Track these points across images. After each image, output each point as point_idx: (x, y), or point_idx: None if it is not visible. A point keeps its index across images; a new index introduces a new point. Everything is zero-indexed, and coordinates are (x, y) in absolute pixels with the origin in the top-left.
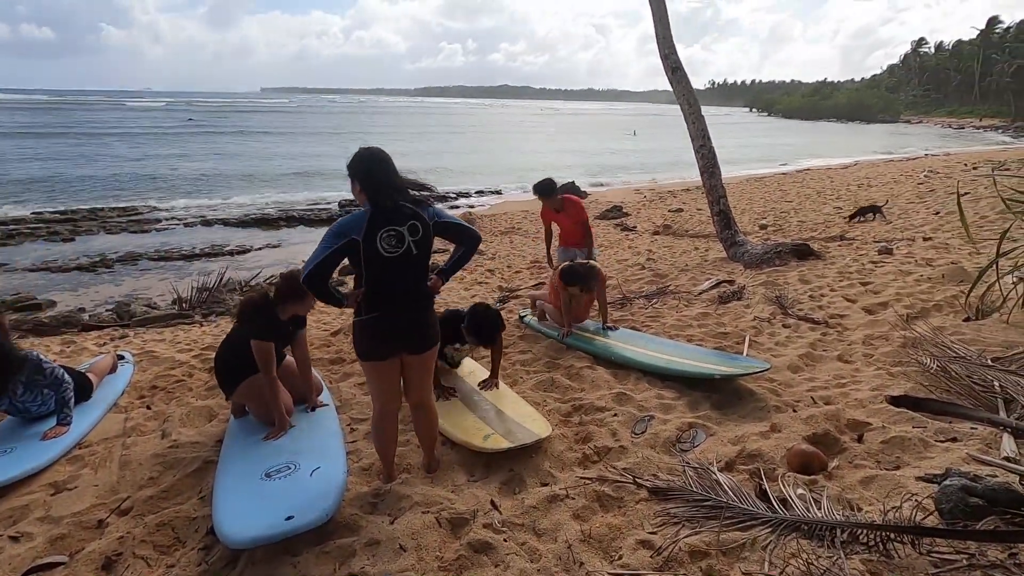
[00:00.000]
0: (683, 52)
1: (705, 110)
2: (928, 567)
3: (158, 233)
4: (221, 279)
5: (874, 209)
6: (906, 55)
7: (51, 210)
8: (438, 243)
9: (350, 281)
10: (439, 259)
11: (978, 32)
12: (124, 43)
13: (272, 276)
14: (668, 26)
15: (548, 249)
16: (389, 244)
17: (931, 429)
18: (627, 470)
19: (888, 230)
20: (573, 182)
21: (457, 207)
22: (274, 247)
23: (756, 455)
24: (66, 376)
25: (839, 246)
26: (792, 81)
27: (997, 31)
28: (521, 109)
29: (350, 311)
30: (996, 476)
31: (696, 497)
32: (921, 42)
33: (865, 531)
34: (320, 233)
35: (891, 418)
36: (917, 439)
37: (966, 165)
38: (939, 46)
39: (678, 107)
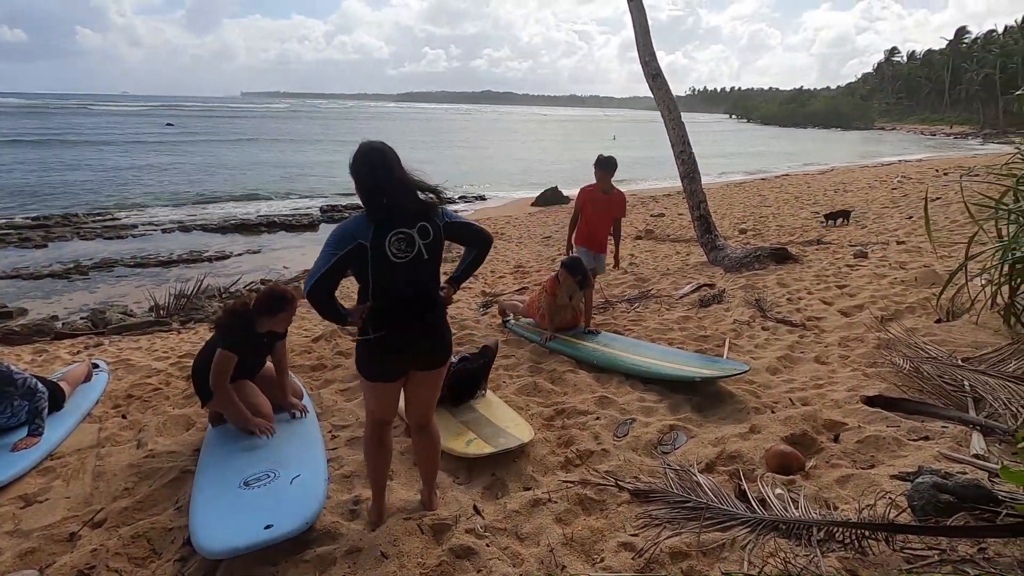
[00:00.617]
0: (665, 59)
1: (686, 116)
2: (901, 563)
3: (135, 239)
4: (199, 285)
5: (844, 214)
6: (879, 64)
7: (23, 216)
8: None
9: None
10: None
11: (947, 42)
12: (100, 46)
13: (252, 282)
14: (648, 33)
15: (571, 237)
16: (399, 248)
17: (904, 428)
18: (609, 473)
19: (863, 234)
20: (556, 187)
21: None
22: (254, 253)
23: (736, 456)
24: (39, 386)
25: (816, 250)
26: (771, 88)
27: (965, 41)
28: (505, 115)
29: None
30: (966, 473)
31: (677, 499)
32: (893, 51)
33: (841, 529)
34: (302, 239)
35: (866, 418)
36: (891, 438)
37: (937, 171)
38: (911, 55)
39: (659, 113)
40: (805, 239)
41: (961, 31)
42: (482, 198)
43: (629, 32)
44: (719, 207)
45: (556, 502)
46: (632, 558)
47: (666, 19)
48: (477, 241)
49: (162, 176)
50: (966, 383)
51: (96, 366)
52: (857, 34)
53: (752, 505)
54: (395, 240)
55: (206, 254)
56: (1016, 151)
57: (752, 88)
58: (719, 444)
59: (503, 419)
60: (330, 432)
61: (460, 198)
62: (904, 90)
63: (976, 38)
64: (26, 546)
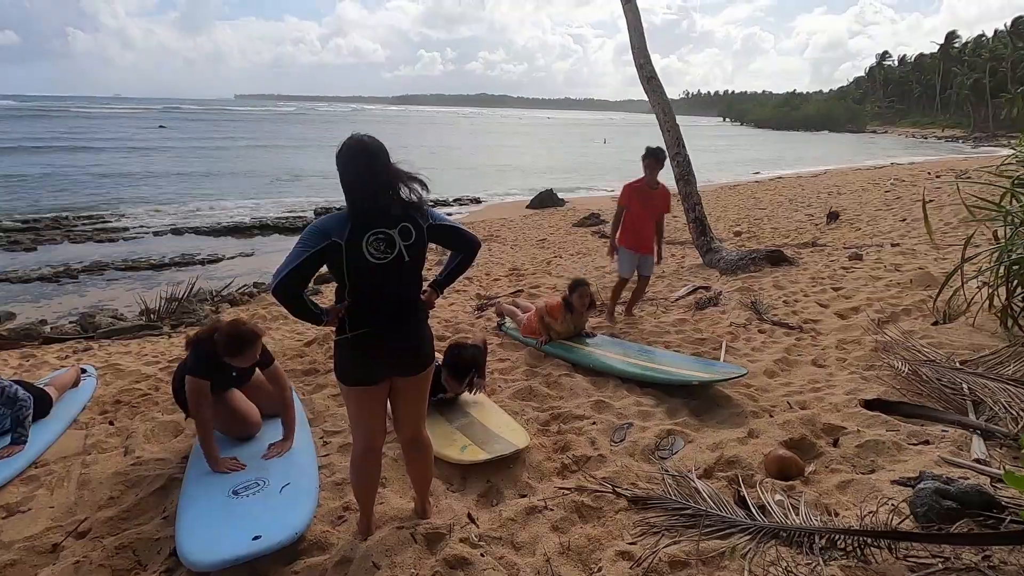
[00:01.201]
0: (659, 63)
1: (679, 119)
2: (905, 571)
3: (126, 242)
4: (191, 289)
5: (833, 215)
6: (871, 68)
7: (11, 219)
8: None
9: (327, 290)
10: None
11: (938, 46)
12: (92, 48)
13: (244, 285)
14: (643, 36)
15: (614, 237)
16: (377, 249)
17: (904, 432)
18: (606, 479)
19: (858, 236)
20: (551, 190)
21: None
22: (247, 256)
23: (734, 461)
24: (21, 393)
25: (811, 252)
26: (764, 92)
27: (956, 46)
28: (503, 117)
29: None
30: (968, 478)
31: (675, 505)
32: (885, 55)
33: (843, 537)
34: (296, 241)
35: (865, 422)
36: (891, 442)
37: (929, 174)
38: (902, 59)
39: (654, 116)
40: (800, 241)
41: (951, 35)
42: (477, 201)
43: (624, 36)
44: (713, 209)
45: (552, 510)
46: (630, 567)
47: (660, 23)
48: (463, 246)
49: (153, 179)
50: (965, 386)
51: (84, 371)
52: (850, 38)
53: (752, 512)
54: (373, 240)
55: (198, 257)
56: (1013, 153)
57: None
58: (717, 449)
59: (498, 424)
60: (322, 438)
61: (455, 200)
62: (895, 94)
63: (966, 43)
64: (6, 558)
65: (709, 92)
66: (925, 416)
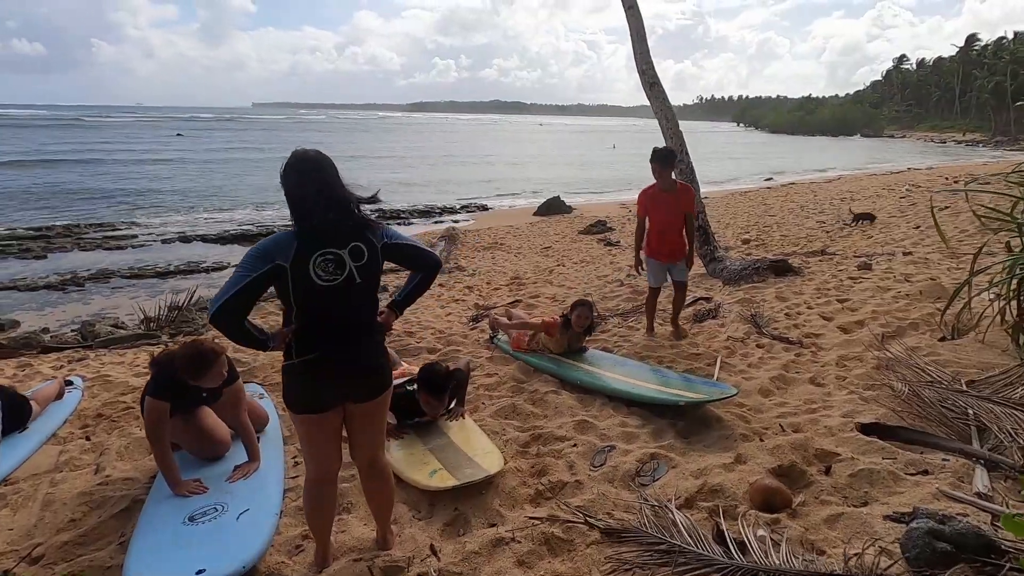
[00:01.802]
0: (673, 68)
1: (694, 125)
2: None
3: (134, 250)
4: (192, 297)
5: (869, 216)
6: (888, 71)
7: (24, 227)
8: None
9: (269, 306)
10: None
11: (958, 49)
12: (115, 58)
13: None
14: (645, 41)
15: (639, 248)
16: (325, 271)
17: (901, 460)
18: (580, 508)
19: (869, 244)
20: (559, 196)
21: (441, 222)
22: None
23: (718, 490)
24: None
25: (820, 261)
26: (779, 96)
27: (976, 48)
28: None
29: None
30: (967, 516)
31: (650, 540)
32: (902, 59)
33: None
34: None
35: (860, 448)
36: (886, 472)
37: (947, 179)
38: (920, 63)
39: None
40: (809, 249)
41: (971, 38)
42: (484, 208)
43: None
44: (723, 216)
45: (520, 542)
46: None
47: (675, 28)
48: (421, 265)
49: (166, 186)
50: (969, 410)
51: (70, 383)
52: (868, 42)
53: (729, 550)
54: (321, 262)
55: (203, 265)
56: None
57: (760, 96)
58: (701, 476)
59: (474, 447)
60: (294, 458)
61: (463, 207)
62: (913, 97)
63: (987, 45)
64: None
65: (723, 97)
66: (925, 443)
